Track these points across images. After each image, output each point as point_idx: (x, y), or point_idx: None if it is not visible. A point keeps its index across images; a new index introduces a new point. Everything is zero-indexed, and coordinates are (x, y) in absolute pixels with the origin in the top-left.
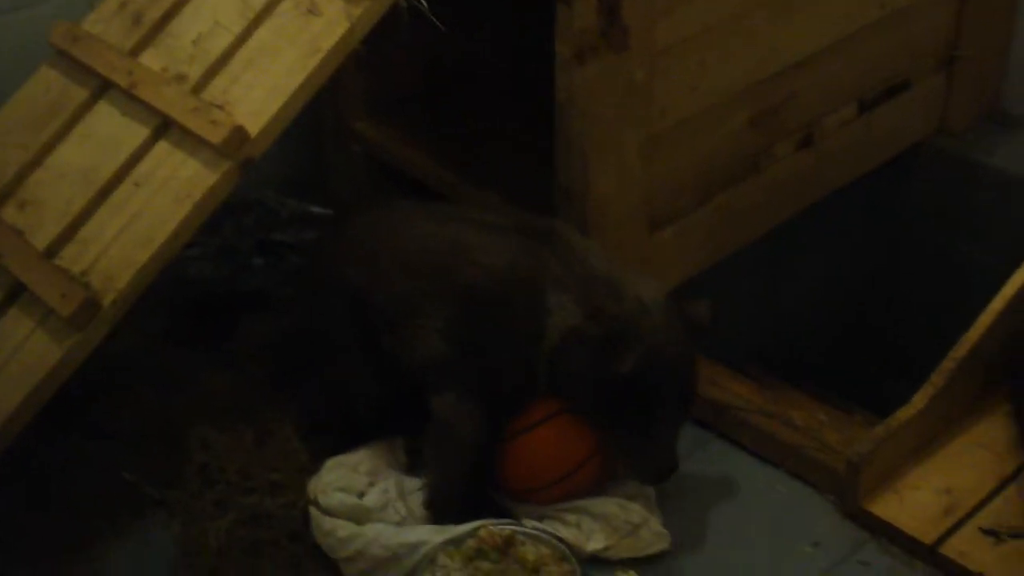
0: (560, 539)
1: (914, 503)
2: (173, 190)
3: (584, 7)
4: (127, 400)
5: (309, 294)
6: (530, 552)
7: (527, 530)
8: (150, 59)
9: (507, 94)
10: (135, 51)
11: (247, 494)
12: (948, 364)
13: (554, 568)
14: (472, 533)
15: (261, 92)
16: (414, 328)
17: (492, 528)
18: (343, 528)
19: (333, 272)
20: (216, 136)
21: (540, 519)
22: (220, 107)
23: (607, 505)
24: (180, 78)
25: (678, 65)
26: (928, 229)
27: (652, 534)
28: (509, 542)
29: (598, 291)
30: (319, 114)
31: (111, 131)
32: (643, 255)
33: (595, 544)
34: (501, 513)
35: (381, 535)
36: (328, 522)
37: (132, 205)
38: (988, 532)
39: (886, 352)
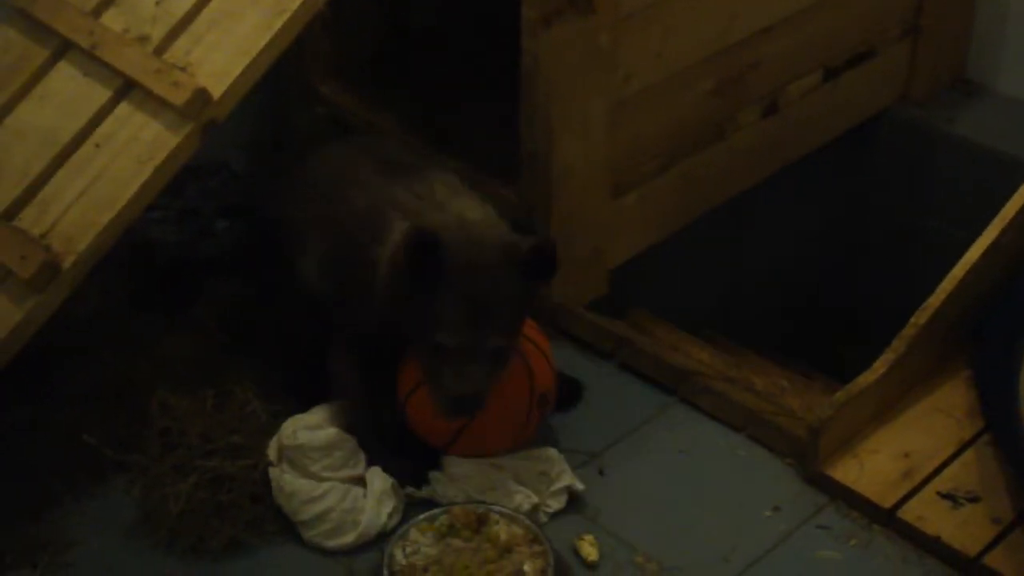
0: (531, 516)
1: (873, 468)
2: (135, 152)
3: None
4: (88, 364)
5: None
6: (503, 531)
7: (501, 509)
8: (112, 19)
9: (475, 58)
10: (97, 11)
11: (207, 457)
12: (910, 330)
13: (525, 548)
14: (445, 510)
15: (224, 53)
16: (305, 258)
17: (466, 506)
18: (305, 491)
19: (266, 205)
20: (178, 98)
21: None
22: (183, 69)
23: (517, 461)
24: (142, 39)
25: (642, 31)
26: (891, 197)
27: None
28: (482, 520)
29: (428, 206)
30: (283, 76)
31: (72, 92)
32: (606, 221)
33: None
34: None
35: (345, 498)
36: (289, 483)
37: (93, 167)
38: (945, 496)
39: (847, 319)
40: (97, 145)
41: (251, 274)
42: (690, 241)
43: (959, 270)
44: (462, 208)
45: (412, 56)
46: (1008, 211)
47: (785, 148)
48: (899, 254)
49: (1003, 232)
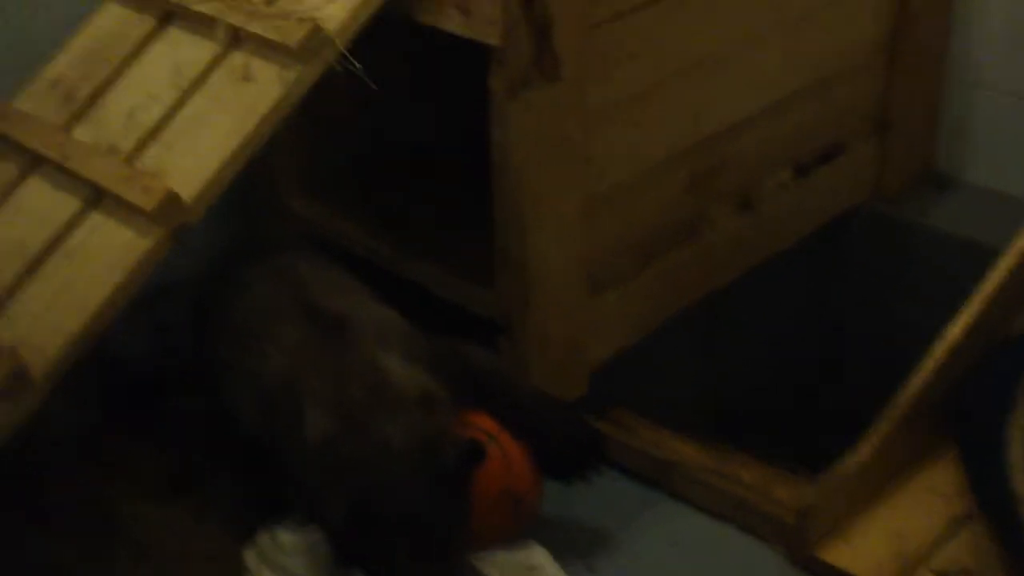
0: None
1: (865, 549)
2: (105, 259)
3: (516, 36)
4: (61, 483)
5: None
6: None
7: None
8: (82, 133)
9: (451, 168)
10: (67, 126)
11: (183, 567)
12: (892, 411)
13: None
14: None
15: (195, 158)
16: (235, 399)
17: None
18: None
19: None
20: (148, 203)
21: None
22: (153, 175)
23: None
24: (112, 150)
25: (613, 125)
26: (866, 291)
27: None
28: None
29: (347, 419)
30: (254, 192)
31: (42, 204)
32: (586, 320)
33: None
34: None
35: None
36: None
37: (62, 275)
38: (939, 574)
39: (833, 412)
40: (67, 255)
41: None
42: (668, 339)
43: (940, 349)
44: (382, 386)
45: (387, 166)
46: (987, 288)
47: (760, 245)
48: (877, 347)
49: (983, 310)
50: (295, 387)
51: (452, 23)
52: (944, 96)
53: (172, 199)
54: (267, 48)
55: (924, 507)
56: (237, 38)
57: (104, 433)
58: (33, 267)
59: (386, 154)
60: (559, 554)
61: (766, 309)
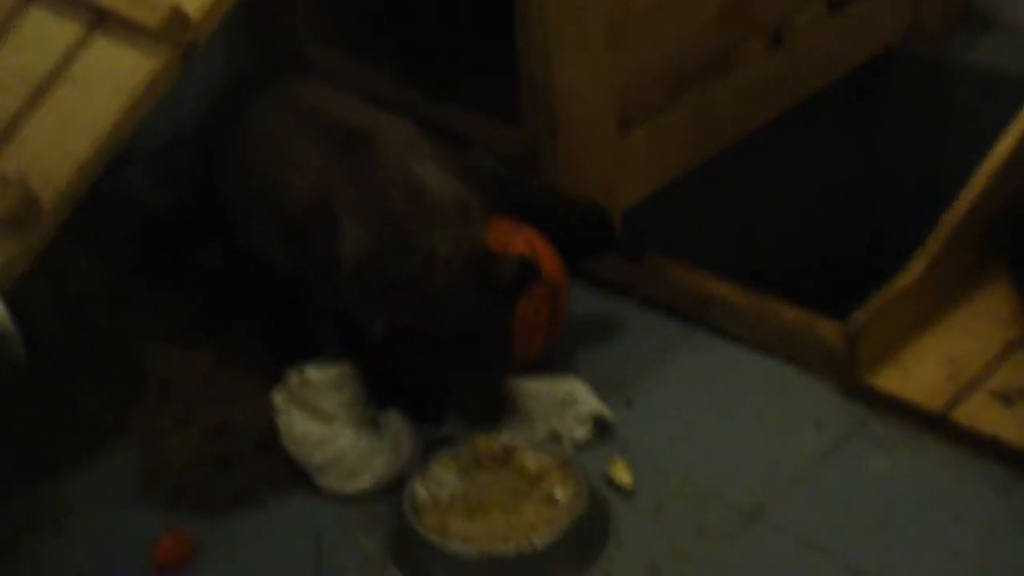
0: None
1: (918, 373)
2: (112, 82)
3: None
4: (82, 328)
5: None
6: (530, 461)
7: (527, 439)
8: None
9: (475, 11)
10: None
11: (209, 405)
12: (944, 229)
13: (555, 475)
14: (469, 444)
15: None
16: (256, 232)
17: (490, 439)
18: (316, 433)
19: (202, 165)
20: (154, 20)
21: None
22: None
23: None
24: None
25: None
26: (905, 133)
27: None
28: (508, 452)
29: (388, 233)
30: (271, 41)
31: (44, 32)
32: (615, 159)
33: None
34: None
35: (359, 438)
36: (298, 427)
37: (69, 102)
38: (998, 396)
39: (870, 263)
40: (73, 81)
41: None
42: (701, 184)
43: (989, 164)
44: (420, 193)
45: (404, 13)
46: None
47: (794, 84)
48: (921, 191)
49: None
50: (327, 206)
51: None
52: None
53: (178, 15)
54: None
55: (978, 331)
56: None
57: (127, 280)
58: (37, 95)
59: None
60: (597, 388)
61: (802, 153)
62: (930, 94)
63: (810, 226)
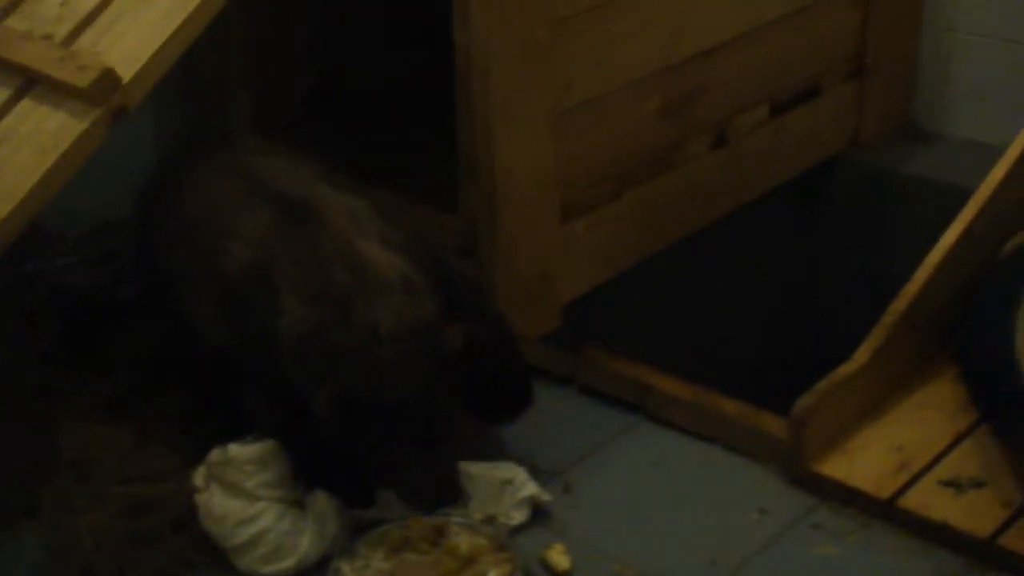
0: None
1: (865, 462)
2: (38, 143)
3: None
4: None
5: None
6: (464, 542)
7: (461, 520)
8: (15, 22)
9: (406, 99)
10: None
11: (124, 484)
12: (889, 318)
13: (490, 557)
14: (399, 524)
15: (134, 40)
16: (192, 306)
17: (422, 518)
18: (237, 512)
19: (140, 231)
20: (84, 80)
21: None
22: (90, 54)
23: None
24: (47, 37)
25: (582, 34)
26: (846, 239)
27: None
28: (440, 532)
29: (328, 307)
30: (204, 125)
31: None
32: (555, 248)
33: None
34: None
35: (283, 518)
36: (219, 505)
37: None
38: (948, 484)
39: (815, 363)
40: None
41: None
42: (645, 281)
43: (934, 256)
44: (360, 296)
45: (341, 103)
46: (980, 196)
47: (737, 186)
48: (863, 293)
49: (976, 218)
50: (266, 279)
51: None
52: (921, 46)
53: (108, 75)
54: None
55: (925, 420)
56: None
57: (49, 363)
58: None
59: (344, 90)
60: (534, 473)
61: (745, 255)
62: (871, 202)
63: (753, 325)
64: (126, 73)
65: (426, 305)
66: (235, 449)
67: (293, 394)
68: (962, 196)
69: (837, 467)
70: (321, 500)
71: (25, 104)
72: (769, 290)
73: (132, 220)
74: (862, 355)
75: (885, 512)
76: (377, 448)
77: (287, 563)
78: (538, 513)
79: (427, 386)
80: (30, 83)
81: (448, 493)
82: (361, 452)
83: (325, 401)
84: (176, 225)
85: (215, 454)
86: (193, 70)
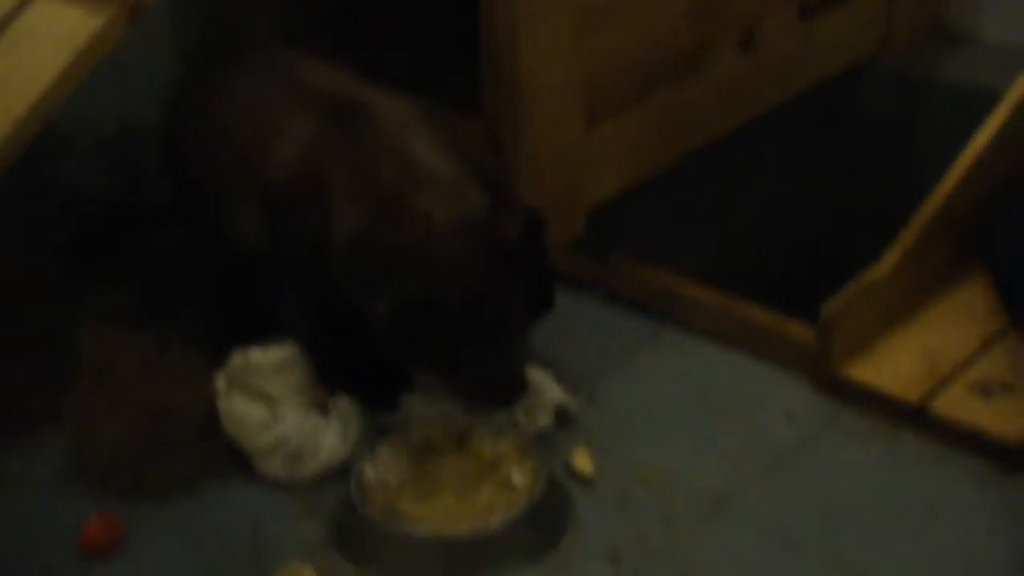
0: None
1: (893, 366)
2: (53, 41)
3: None
4: (11, 317)
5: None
6: (487, 446)
7: (484, 423)
8: None
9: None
10: None
11: (146, 388)
12: (918, 221)
13: (514, 461)
14: (423, 426)
15: None
16: (232, 208)
17: (446, 421)
18: (257, 416)
19: (170, 137)
20: None
21: None
22: None
23: None
24: None
25: None
26: (875, 147)
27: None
28: (464, 435)
29: (381, 205)
30: (224, 35)
31: None
32: (581, 152)
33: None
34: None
35: (305, 422)
36: (239, 410)
37: (8, 62)
38: (978, 388)
39: (843, 272)
40: (12, 41)
41: (183, 221)
42: (672, 186)
43: (965, 159)
44: (416, 193)
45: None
46: (1012, 98)
47: (765, 89)
48: (891, 200)
49: (1008, 121)
50: (315, 181)
51: None
52: None
53: None
54: None
55: (954, 325)
56: None
57: (65, 270)
58: None
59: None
60: (559, 380)
61: (772, 161)
62: (901, 109)
63: (780, 232)
64: None
65: (478, 198)
66: (256, 355)
67: (336, 296)
68: (994, 102)
69: (865, 372)
70: (344, 404)
71: (40, 2)
72: (796, 197)
73: (159, 126)
74: (891, 258)
75: (913, 417)
76: (442, 349)
77: (309, 467)
78: (563, 418)
79: (488, 278)
80: None
81: (517, 390)
82: (424, 354)
83: (388, 307)
84: (211, 131)
85: (236, 360)
86: None
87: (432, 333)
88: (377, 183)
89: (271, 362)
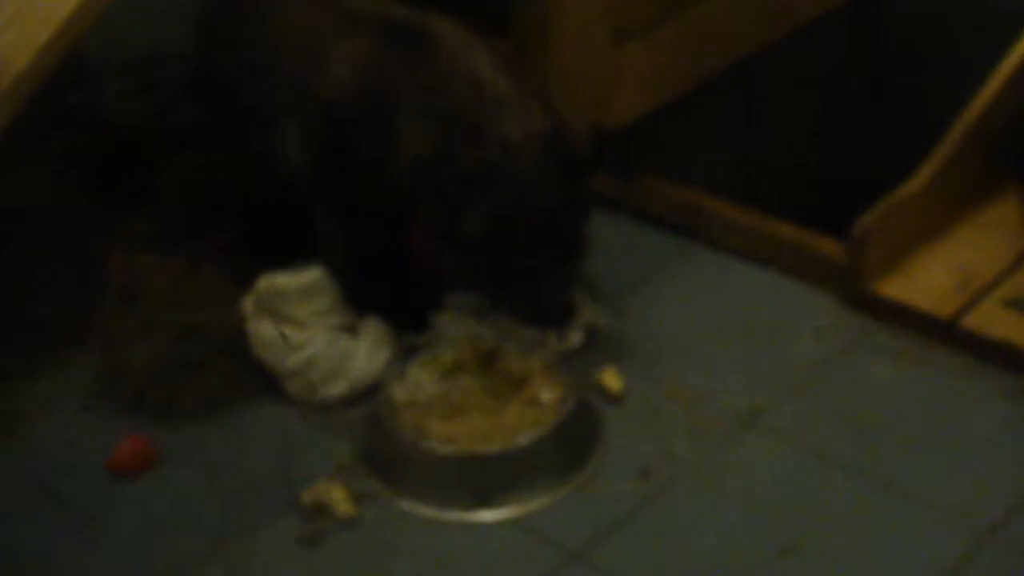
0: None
1: (925, 282)
2: None
3: None
4: (41, 243)
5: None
6: (515, 365)
7: (512, 343)
8: None
9: None
10: None
11: (176, 311)
12: (952, 135)
13: (542, 380)
14: (451, 346)
15: None
16: (274, 132)
17: (473, 340)
18: (286, 337)
19: (208, 60)
20: None
21: None
22: None
23: None
24: None
25: None
26: (907, 63)
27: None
28: (492, 355)
29: (455, 124)
30: None
31: None
32: (609, 72)
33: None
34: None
35: (333, 344)
36: (268, 332)
37: None
38: (1011, 303)
39: (864, 188)
40: None
41: (216, 145)
42: (699, 108)
43: (1001, 72)
44: (490, 113)
45: None
46: None
47: (793, 6)
48: (921, 119)
49: None
50: (376, 101)
51: None
52: None
53: None
54: None
55: (988, 240)
56: None
57: (94, 196)
58: None
59: None
60: (588, 297)
61: (800, 78)
62: (933, 22)
63: (808, 149)
64: None
65: (543, 116)
66: (283, 280)
67: (386, 215)
68: None
69: (896, 288)
70: (373, 325)
71: None
72: (825, 113)
73: (194, 53)
74: (924, 174)
75: (945, 332)
76: (518, 265)
77: (338, 387)
78: (592, 337)
79: (564, 195)
80: None
81: (570, 311)
82: (500, 270)
83: (475, 223)
84: (252, 56)
85: (263, 283)
86: None
87: (513, 249)
88: (449, 102)
89: (298, 286)
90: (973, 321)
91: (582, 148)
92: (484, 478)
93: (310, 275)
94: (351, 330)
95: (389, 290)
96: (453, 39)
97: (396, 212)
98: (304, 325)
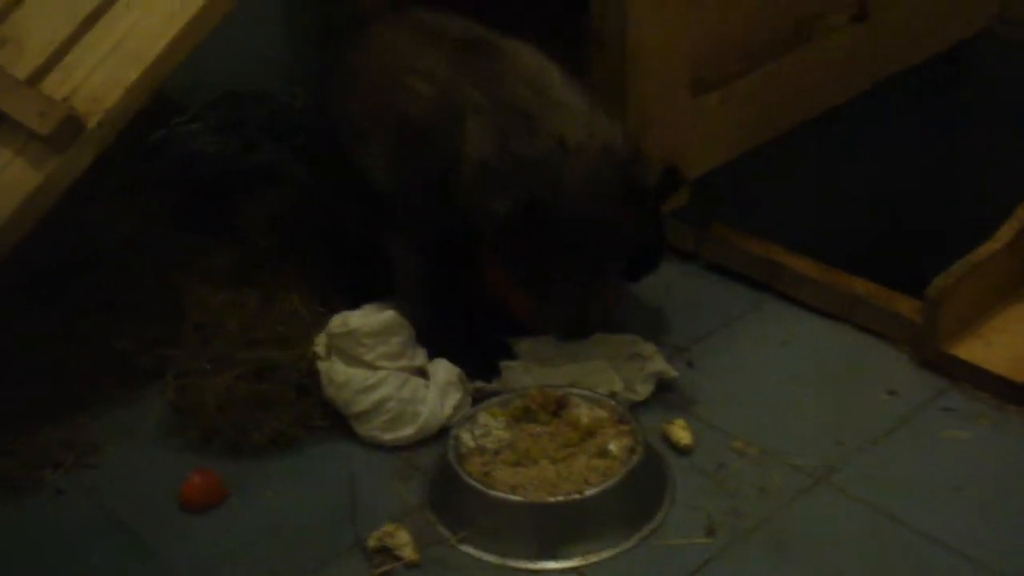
0: (617, 400)
1: (1001, 345)
2: (166, 7)
3: None
4: (123, 276)
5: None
6: (584, 414)
7: (583, 392)
8: None
9: None
10: None
11: (249, 348)
12: None
13: (611, 430)
14: (520, 393)
15: None
16: (367, 152)
17: (544, 388)
18: (359, 379)
19: (323, 92)
20: None
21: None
22: None
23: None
24: None
25: None
26: (990, 118)
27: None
28: (561, 403)
29: (514, 121)
30: (330, 13)
31: None
32: (686, 121)
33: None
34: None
35: (405, 386)
36: (341, 373)
37: (121, 27)
38: None
39: (941, 247)
40: (127, 5)
41: (298, 181)
42: (777, 158)
43: None
44: (548, 117)
45: None
46: None
47: (875, 60)
48: (1005, 176)
49: None
50: (450, 108)
51: None
52: None
53: None
54: None
55: None
56: None
57: (171, 233)
58: (91, 20)
59: None
60: (658, 348)
61: (880, 134)
62: (1017, 79)
63: (884, 206)
64: None
65: (610, 130)
66: (356, 321)
67: (454, 225)
68: None
69: (971, 350)
70: (443, 369)
71: None
72: (904, 170)
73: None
74: (1004, 235)
75: (1021, 396)
76: (545, 260)
77: (408, 431)
78: (661, 387)
79: (612, 207)
80: None
81: (595, 326)
82: (527, 263)
83: (508, 203)
84: (350, 79)
85: (336, 324)
86: None
87: (543, 242)
88: (511, 103)
89: (371, 327)
90: None
91: (652, 175)
92: (550, 527)
93: (384, 317)
94: (422, 373)
95: (461, 328)
96: (523, 52)
97: (466, 231)
98: (375, 366)
